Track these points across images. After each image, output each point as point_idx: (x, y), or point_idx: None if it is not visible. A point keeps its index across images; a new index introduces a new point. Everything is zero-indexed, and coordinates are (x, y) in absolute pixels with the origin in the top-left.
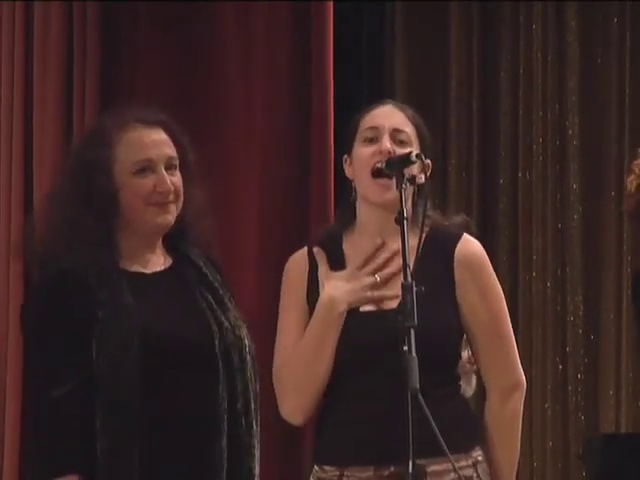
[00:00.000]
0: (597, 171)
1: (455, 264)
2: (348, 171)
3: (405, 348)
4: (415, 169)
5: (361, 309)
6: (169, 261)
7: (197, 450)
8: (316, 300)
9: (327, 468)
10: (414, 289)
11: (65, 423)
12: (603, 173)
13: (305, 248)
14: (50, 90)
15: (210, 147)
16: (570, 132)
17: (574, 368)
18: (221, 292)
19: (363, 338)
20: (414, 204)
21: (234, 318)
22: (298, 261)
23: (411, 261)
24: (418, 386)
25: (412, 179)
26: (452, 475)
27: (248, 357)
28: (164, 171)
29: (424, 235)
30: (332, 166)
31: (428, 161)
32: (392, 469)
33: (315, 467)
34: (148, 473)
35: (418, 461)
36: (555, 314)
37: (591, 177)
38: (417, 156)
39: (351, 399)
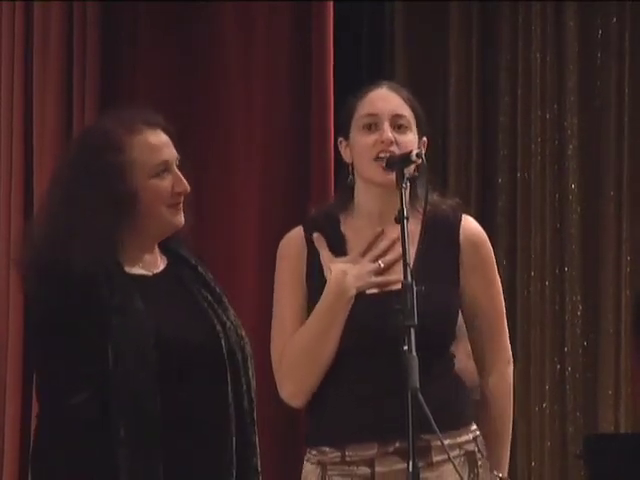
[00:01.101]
0: (596, 171)
1: (461, 244)
2: (345, 154)
3: (405, 348)
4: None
5: (367, 292)
6: (165, 261)
7: (210, 452)
8: (316, 284)
9: (326, 450)
10: (414, 288)
11: (84, 430)
12: (602, 173)
13: (300, 228)
14: (50, 90)
15: (210, 147)
16: (569, 132)
17: (572, 368)
18: (218, 291)
19: (368, 321)
20: (413, 185)
21: (234, 317)
22: (295, 242)
23: (414, 244)
24: (418, 385)
25: (412, 179)
26: (456, 451)
27: (249, 356)
28: (178, 171)
29: (423, 217)
30: (332, 166)
31: (425, 139)
32: (397, 445)
33: (312, 451)
34: (165, 476)
35: (423, 436)
36: (554, 313)
37: (590, 177)
38: (417, 155)
39: (352, 381)
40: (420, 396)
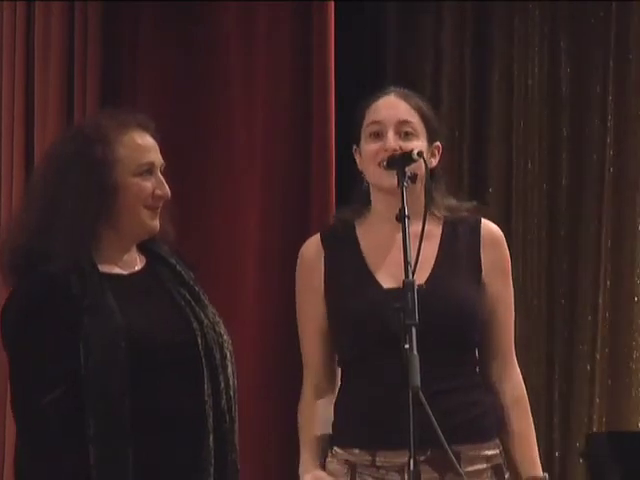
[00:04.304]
0: (586, 167)
1: (482, 244)
2: (360, 162)
3: (407, 346)
4: (421, 164)
5: (385, 286)
6: (143, 260)
7: (186, 450)
8: (336, 285)
9: (356, 451)
10: (415, 287)
11: (58, 429)
12: (588, 170)
13: (317, 235)
14: (51, 89)
15: (211, 146)
16: (563, 128)
17: (560, 364)
18: (197, 289)
19: (389, 324)
20: (429, 189)
21: (212, 315)
22: (311, 248)
23: (435, 244)
24: (419, 384)
25: (413, 177)
26: (483, 464)
27: (228, 353)
28: (161, 176)
29: (443, 220)
30: (333, 167)
31: (438, 143)
32: (429, 453)
33: (338, 450)
34: (140, 475)
35: (454, 447)
36: (540, 311)
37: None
38: (418, 154)
39: (379, 381)
40: (422, 395)
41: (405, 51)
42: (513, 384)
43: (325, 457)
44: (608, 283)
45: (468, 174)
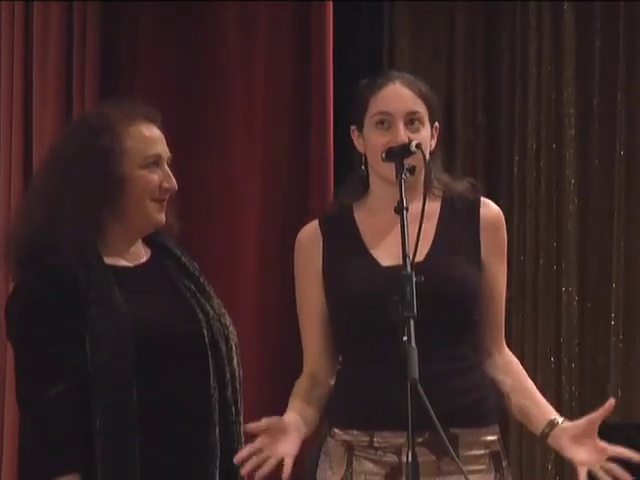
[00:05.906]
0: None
1: (481, 223)
2: (358, 143)
3: (405, 338)
4: (419, 155)
5: (382, 264)
6: (148, 253)
7: (193, 443)
8: (333, 272)
9: (354, 432)
10: (414, 279)
11: (63, 422)
12: (598, 164)
13: (315, 221)
14: (50, 89)
15: (211, 147)
16: (566, 121)
17: (569, 359)
18: (202, 280)
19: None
20: (427, 170)
21: (218, 306)
22: (309, 234)
23: (434, 221)
24: (417, 377)
25: (412, 169)
26: (482, 449)
27: (233, 345)
28: (168, 169)
29: (441, 199)
30: (332, 164)
31: (437, 124)
32: (427, 436)
33: (337, 430)
34: (146, 468)
35: (452, 429)
36: (549, 305)
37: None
38: (417, 146)
39: (378, 361)
40: (420, 388)
41: (409, 49)
42: (505, 352)
43: (325, 437)
44: (622, 271)
45: (482, 170)
